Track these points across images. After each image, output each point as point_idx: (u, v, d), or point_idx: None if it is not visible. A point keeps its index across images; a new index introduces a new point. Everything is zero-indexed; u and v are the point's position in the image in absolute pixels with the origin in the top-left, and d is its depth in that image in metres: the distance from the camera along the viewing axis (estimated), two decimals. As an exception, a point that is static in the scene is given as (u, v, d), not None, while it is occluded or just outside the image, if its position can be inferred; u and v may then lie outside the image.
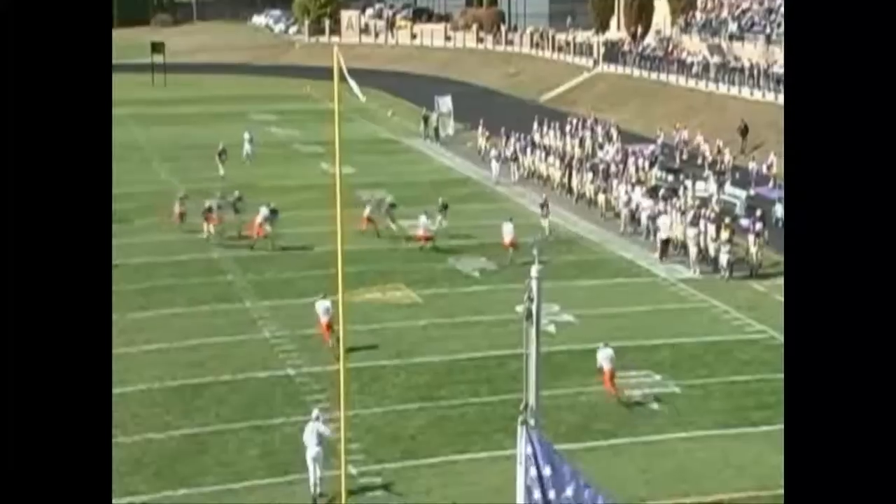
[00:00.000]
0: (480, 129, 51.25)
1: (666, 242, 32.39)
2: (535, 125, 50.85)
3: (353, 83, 15.39)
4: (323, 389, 22.08)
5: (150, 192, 41.63)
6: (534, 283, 9.64)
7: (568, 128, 49.85)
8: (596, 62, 69.44)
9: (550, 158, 44.26)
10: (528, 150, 46.07)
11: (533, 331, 9.51)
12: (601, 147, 47.25)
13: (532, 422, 9.18)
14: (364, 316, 26.20)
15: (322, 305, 24.63)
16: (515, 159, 45.23)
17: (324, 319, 24.43)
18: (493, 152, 45.55)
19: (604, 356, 21.92)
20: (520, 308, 9.73)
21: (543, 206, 35.57)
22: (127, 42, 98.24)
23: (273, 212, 32.98)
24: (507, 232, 32.04)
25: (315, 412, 18.95)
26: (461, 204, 39.87)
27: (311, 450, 18.06)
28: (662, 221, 32.95)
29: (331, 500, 17.84)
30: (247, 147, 48.31)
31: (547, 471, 9.11)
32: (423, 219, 32.71)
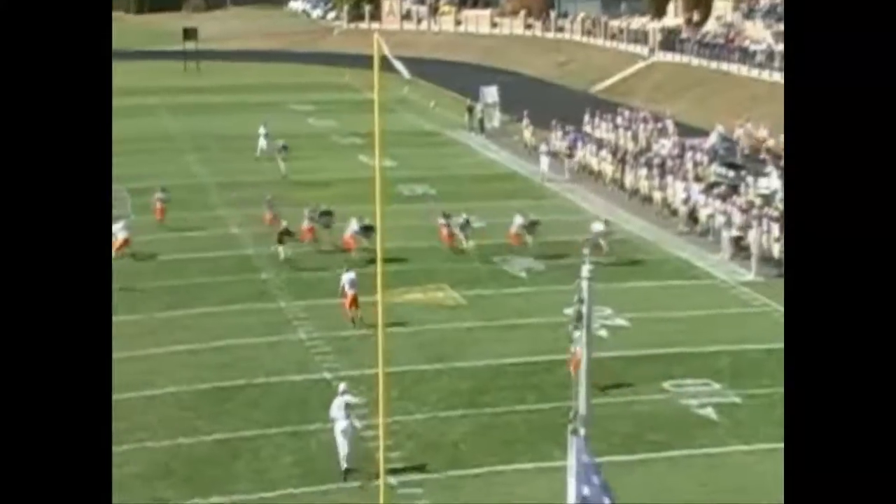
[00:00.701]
0: (527, 120, 51.18)
1: (738, 240, 32.04)
2: (587, 117, 50.68)
3: (399, 64, 15.46)
4: (361, 394, 22.19)
5: (180, 186, 41.99)
6: (584, 285, 9.63)
7: (621, 120, 49.61)
8: (652, 50, 69.04)
9: (602, 152, 44.09)
10: (579, 143, 45.92)
11: (584, 335, 9.51)
12: (656, 140, 46.97)
13: (582, 431, 9.18)
14: (404, 317, 26.29)
15: (347, 277, 26.15)
16: (571, 155, 44.92)
17: (350, 292, 25.70)
18: (542, 146, 45.48)
19: None
20: (570, 311, 9.70)
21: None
22: (158, 28, 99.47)
23: (366, 228, 31.18)
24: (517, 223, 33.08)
25: (342, 386, 19.84)
26: (506, 200, 39.80)
27: (340, 423, 18.95)
28: (729, 218, 32.73)
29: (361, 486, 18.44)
30: (262, 142, 47.87)
31: (596, 481, 9.15)
32: (353, 223, 31.40)
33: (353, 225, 31.92)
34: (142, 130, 55.22)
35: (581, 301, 9.62)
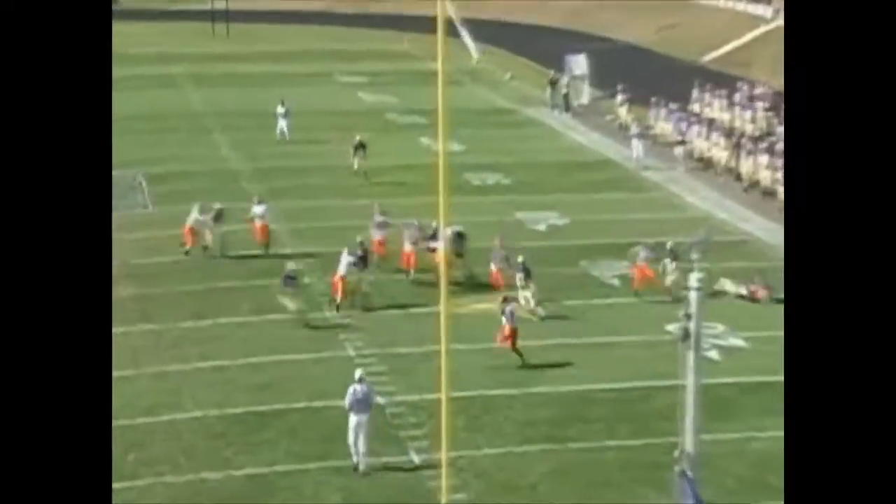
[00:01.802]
0: (622, 96, 51.04)
1: None
2: (695, 93, 50.44)
3: (466, 36, 15.61)
4: (421, 423, 22.39)
5: (208, 172, 42.69)
6: (693, 297, 9.65)
7: (738, 96, 49.31)
8: (777, 12, 68.46)
9: (714, 136, 43.88)
10: (685, 125, 45.74)
11: (691, 356, 9.53)
12: (780, 122, 46.62)
13: (689, 473, 9.19)
14: (473, 332, 26.44)
15: (346, 260, 28.24)
16: (682, 141, 44.35)
17: (342, 272, 28.29)
18: (634, 128, 45.32)
19: None
20: (673, 327, 9.80)
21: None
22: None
23: (459, 235, 30.76)
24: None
25: (358, 373, 21.20)
26: (597, 193, 39.90)
27: (353, 417, 20.63)
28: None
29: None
30: (281, 123, 48.24)
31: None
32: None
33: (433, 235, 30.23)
34: (162, 105, 56.14)
35: (688, 316, 9.63)
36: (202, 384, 24.62)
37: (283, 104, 48.36)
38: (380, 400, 23.23)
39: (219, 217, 32.94)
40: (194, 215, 32.75)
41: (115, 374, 20.32)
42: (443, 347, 17.02)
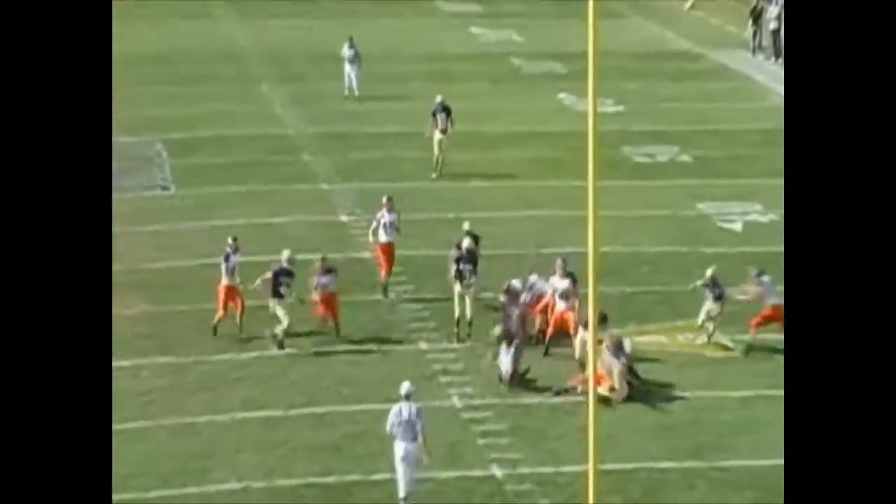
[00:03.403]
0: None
1: None
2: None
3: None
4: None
5: (257, 138, 43.14)
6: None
7: None
8: None
9: None
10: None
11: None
12: None
13: None
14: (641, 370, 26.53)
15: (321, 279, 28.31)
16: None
17: (316, 296, 28.39)
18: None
19: None
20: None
21: None
22: None
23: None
24: None
25: (405, 386, 22.29)
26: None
27: (401, 447, 22.14)
28: None
29: None
30: (347, 69, 48.42)
31: None
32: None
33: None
34: (190, 43, 56.55)
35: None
36: (244, 442, 24.75)
37: (350, 43, 48.67)
38: (497, 472, 23.16)
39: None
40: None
41: (117, 425, 20.56)
42: (591, 399, 16.95)
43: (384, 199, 30.88)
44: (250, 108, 47.10)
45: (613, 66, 45.49)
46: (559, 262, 27.78)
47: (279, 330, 28.03)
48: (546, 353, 27.61)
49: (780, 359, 27.83)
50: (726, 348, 28.46)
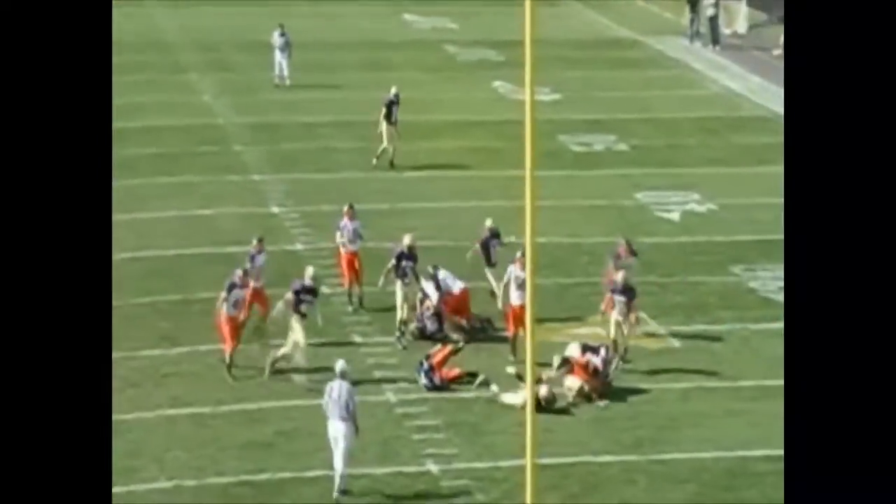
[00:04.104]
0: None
1: None
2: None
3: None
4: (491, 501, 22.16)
5: (187, 129, 42.97)
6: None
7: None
8: None
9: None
10: None
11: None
12: None
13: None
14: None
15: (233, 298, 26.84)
16: None
17: (226, 312, 26.80)
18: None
19: None
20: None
21: None
22: None
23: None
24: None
25: (339, 364, 22.59)
26: (757, 164, 39.52)
27: (332, 425, 22.31)
28: None
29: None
30: (278, 57, 48.36)
31: None
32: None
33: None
34: (117, 31, 55.95)
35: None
36: (173, 440, 24.58)
37: (281, 31, 48.64)
38: (432, 468, 23.00)
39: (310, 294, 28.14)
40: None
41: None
42: (528, 390, 16.87)
43: (345, 208, 30.35)
44: (179, 98, 47.07)
45: (551, 54, 45.44)
46: (519, 253, 27.67)
47: (282, 353, 27.21)
48: (513, 353, 27.31)
49: (719, 350, 28.23)
50: (666, 341, 28.52)
